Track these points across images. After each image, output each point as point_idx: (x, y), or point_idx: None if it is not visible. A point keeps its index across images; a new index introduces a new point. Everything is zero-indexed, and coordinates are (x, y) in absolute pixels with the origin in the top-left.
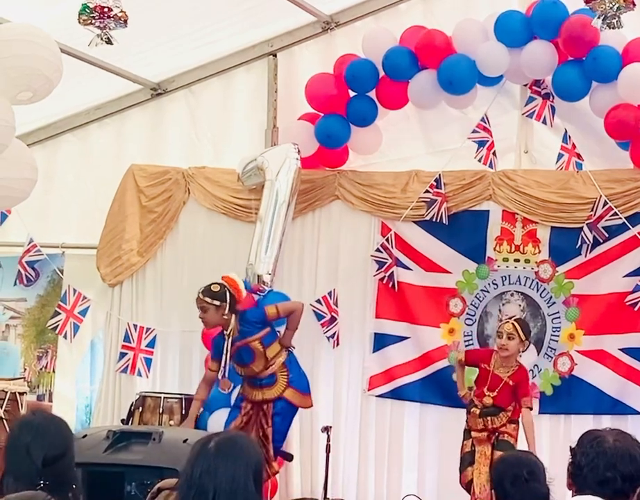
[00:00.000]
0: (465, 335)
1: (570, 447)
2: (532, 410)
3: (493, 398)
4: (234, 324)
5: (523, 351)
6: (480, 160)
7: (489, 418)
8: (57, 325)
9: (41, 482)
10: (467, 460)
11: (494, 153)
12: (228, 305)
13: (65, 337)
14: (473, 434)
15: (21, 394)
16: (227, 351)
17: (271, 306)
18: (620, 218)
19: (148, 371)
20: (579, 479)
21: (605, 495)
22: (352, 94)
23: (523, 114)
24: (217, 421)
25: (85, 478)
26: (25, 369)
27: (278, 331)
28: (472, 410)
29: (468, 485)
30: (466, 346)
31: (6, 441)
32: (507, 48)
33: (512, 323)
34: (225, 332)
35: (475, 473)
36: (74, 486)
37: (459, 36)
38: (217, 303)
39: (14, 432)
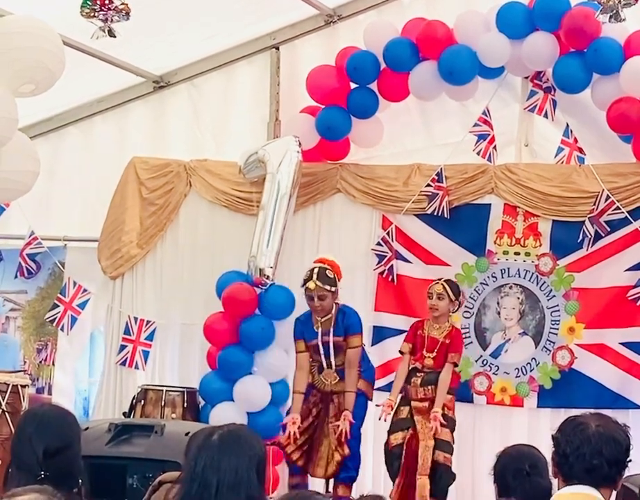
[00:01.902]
0: (463, 328)
1: (552, 436)
2: (456, 367)
3: (433, 359)
4: (332, 315)
5: (453, 311)
6: (478, 153)
7: (429, 387)
8: (55, 317)
9: (42, 473)
10: (401, 425)
11: (494, 147)
12: (338, 290)
13: (62, 329)
14: (413, 404)
15: (24, 386)
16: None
17: (359, 341)
18: (623, 212)
19: (145, 363)
20: (566, 468)
21: (593, 482)
22: (353, 86)
23: (524, 108)
24: (219, 414)
25: (87, 471)
26: (24, 362)
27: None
28: (413, 380)
29: (394, 449)
30: (463, 338)
31: (13, 431)
32: (508, 39)
33: (442, 284)
34: (318, 318)
35: (420, 445)
36: (79, 480)
37: (460, 27)
38: (334, 289)
39: (20, 422)
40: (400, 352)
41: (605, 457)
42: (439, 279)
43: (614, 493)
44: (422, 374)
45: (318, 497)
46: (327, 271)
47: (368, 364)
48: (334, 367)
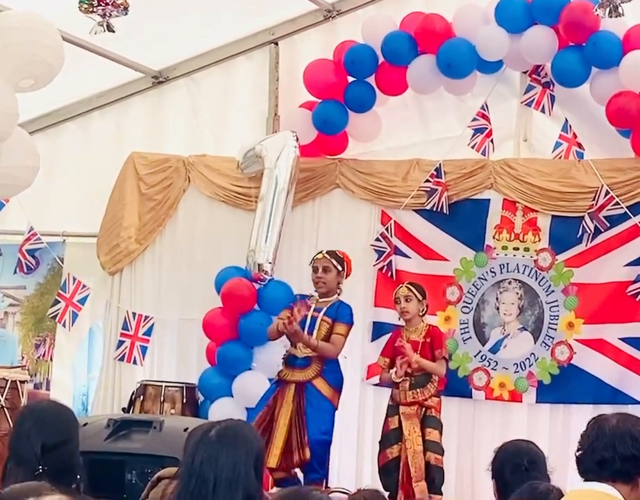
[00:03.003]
0: (461, 323)
1: (581, 434)
2: (447, 361)
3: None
4: (330, 300)
5: (423, 312)
6: (473, 147)
7: (418, 390)
8: (57, 313)
9: (40, 468)
10: (392, 437)
11: (492, 141)
12: (344, 274)
13: (64, 325)
14: (402, 409)
15: (22, 382)
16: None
17: (345, 330)
18: (622, 207)
19: (143, 359)
20: (581, 462)
21: (606, 477)
22: (351, 80)
23: (521, 102)
24: (218, 410)
25: (86, 467)
26: (23, 357)
27: None
28: (401, 385)
29: (388, 464)
30: (461, 333)
31: (12, 426)
32: (507, 33)
33: (407, 287)
34: (318, 298)
35: (409, 453)
36: (78, 476)
37: (459, 21)
38: (340, 268)
39: (18, 418)
40: (380, 367)
41: (619, 452)
42: (402, 283)
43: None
44: (410, 378)
45: (316, 493)
46: (337, 252)
47: (337, 368)
48: (313, 337)
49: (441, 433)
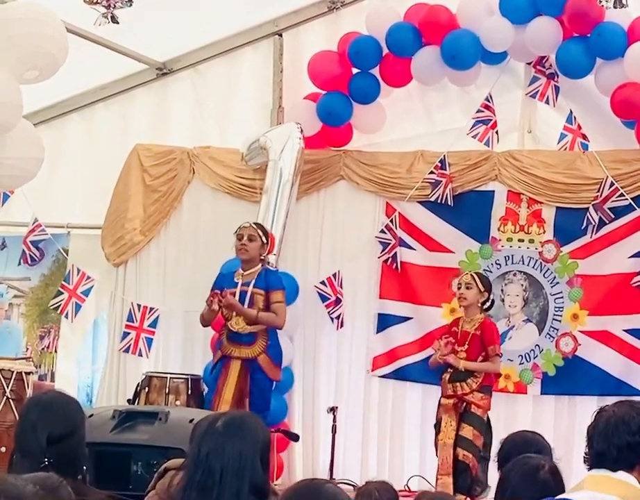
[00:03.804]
0: None
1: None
2: (500, 357)
3: (466, 352)
4: (257, 270)
5: (483, 303)
6: (474, 137)
7: (457, 383)
8: (60, 305)
9: (46, 460)
10: (436, 428)
11: (496, 133)
12: (267, 248)
13: (67, 316)
14: (442, 401)
15: (28, 373)
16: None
17: (281, 296)
18: (627, 199)
19: (149, 351)
20: (586, 457)
21: (608, 468)
22: (355, 71)
23: (526, 94)
24: None
25: (91, 458)
26: (27, 349)
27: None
28: (443, 376)
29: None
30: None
31: (18, 418)
32: (511, 24)
33: (471, 274)
34: (242, 272)
35: (439, 445)
36: (84, 467)
37: (463, 11)
38: (264, 239)
39: (24, 409)
40: (434, 349)
41: (613, 443)
42: (469, 271)
43: None
44: (452, 370)
45: (329, 486)
46: (265, 227)
47: (277, 342)
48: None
49: (480, 432)
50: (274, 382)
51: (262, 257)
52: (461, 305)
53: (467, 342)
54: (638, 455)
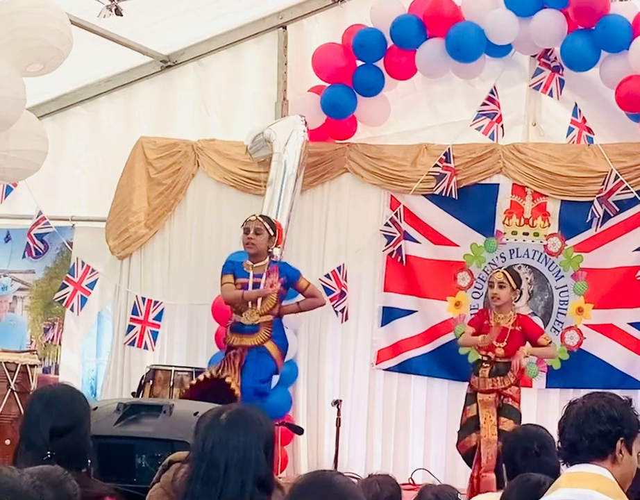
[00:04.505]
0: (471, 309)
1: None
2: (551, 343)
3: (504, 349)
4: (266, 262)
5: (515, 301)
6: (479, 129)
7: (498, 378)
8: (65, 297)
9: (49, 453)
10: (471, 425)
11: (501, 126)
12: (275, 240)
13: (72, 309)
14: (480, 396)
15: (32, 366)
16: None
17: (305, 280)
18: (632, 192)
19: (154, 344)
20: (559, 451)
21: (581, 458)
22: (359, 64)
23: (530, 86)
24: None
25: (95, 451)
26: (32, 341)
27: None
28: (480, 371)
29: (468, 452)
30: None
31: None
32: (516, 16)
33: (503, 273)
34: (252, 264)
35: (482, 442)
36: (89, 460)
37: (468, 4)
38: (272, 232)
39: (29, 402)
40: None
41: (584, 432)
42: (500, 268)
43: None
44: (490, 365)
45: (339, 477)
46: (272, 219)
47: (283, 333)
48: (258, 307)
49: (517, 424)
50: (277, 370)
51: (270, 250)
52: (495, 305)
53: (506, 339)
54: (610, 444)
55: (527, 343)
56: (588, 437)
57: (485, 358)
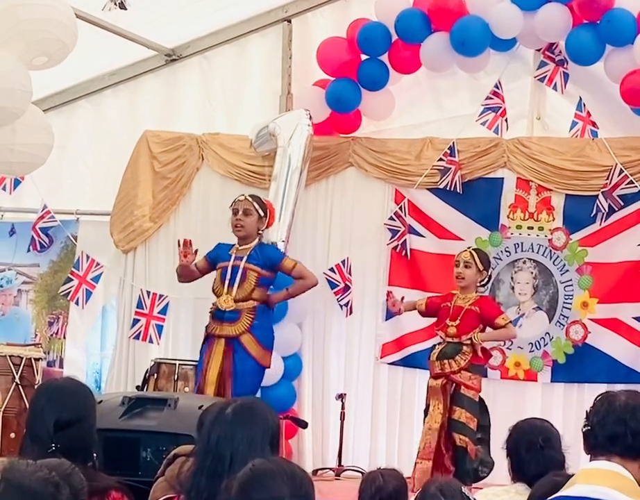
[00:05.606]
0: None
1: (586, 411)
2: (512, 323)
3: (457, 327)
4: (251, 245)
5: (481, 283)
6: (483, 124)
7: (445, 361)
8: (69, 291)
9: (53, 445)
10: (425, 413)
11: (505, 120)
12: (266, 221)
13: (77, 303)
14: (430, 382)
15: (37, 359)
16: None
17: (291, 260)
18: (636, 186)
19: (159, 338)
20: (591, 438)
21: (616, 452)
22: (364, 57)
23: (534, 77)
24: None
25: (100, 444)
26: (36, 335)
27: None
28: (431, 354)
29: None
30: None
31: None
32: (521, 10)
33: (470, 252)
34: (238, 246)
35: (424, 428)
36: (94, 454)
37: None
38: (262, 213)
39: (34, 395)
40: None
41: (630, 427)
42: (469, 248)
43: None
44: (439, 346)
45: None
46: (262, 199)
47: (268, 324)
48: (234, 293)
49: (473, 415)
50: (264, 368)
51: (260, 232)
52: (460, 286)
53: (459, 317)
54: None
55: (488, 328)
56: (632, 432)
57: (441, 340)
